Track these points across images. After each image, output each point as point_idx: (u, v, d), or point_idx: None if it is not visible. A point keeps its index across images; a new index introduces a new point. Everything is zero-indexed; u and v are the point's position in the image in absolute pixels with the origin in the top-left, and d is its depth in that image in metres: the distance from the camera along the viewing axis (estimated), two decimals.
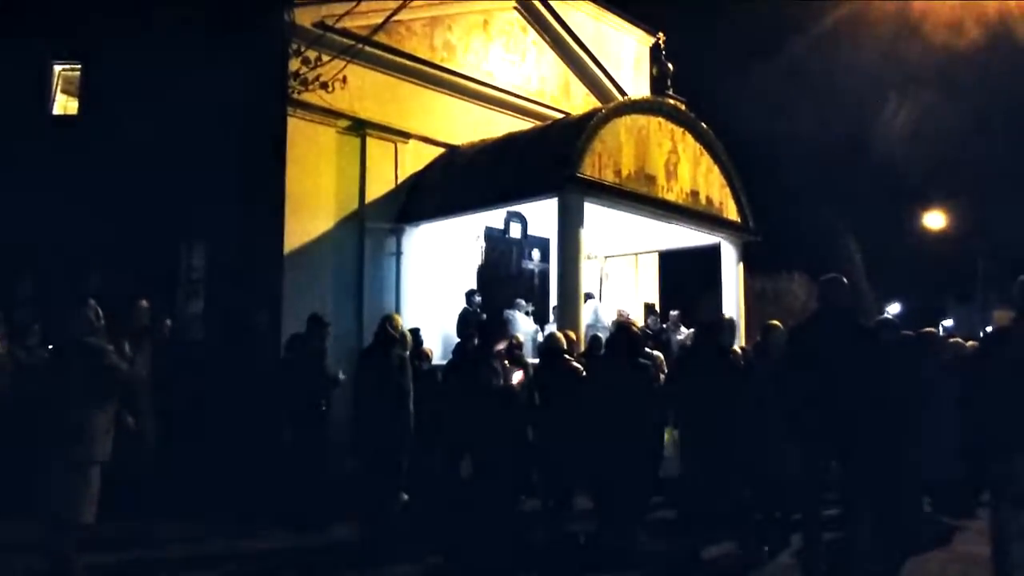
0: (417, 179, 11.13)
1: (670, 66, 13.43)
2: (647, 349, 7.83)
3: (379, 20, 9.98)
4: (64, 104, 11.86)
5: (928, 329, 8.46)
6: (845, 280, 5.64)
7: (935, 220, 26.21)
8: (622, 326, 7.43)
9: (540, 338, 10.10)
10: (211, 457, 7.57)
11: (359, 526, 6.83)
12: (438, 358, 9.24)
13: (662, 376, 7.88)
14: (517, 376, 6.51)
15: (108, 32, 10.75)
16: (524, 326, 10.67)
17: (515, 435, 6.50)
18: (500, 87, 12.43)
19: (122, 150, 10.36)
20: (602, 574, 5.93)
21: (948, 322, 27.96)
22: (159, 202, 10.28)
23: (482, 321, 9.72)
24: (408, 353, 7.25)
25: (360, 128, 10.57)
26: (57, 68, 11.72)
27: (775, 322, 7.38)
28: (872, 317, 9.67)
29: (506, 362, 6.54)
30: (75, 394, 5.05)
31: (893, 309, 29.80)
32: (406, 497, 7.38)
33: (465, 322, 9.95)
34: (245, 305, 9.50)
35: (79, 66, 11.67)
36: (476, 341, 7.56)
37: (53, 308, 6.29)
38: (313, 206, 10.02)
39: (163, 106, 10.30)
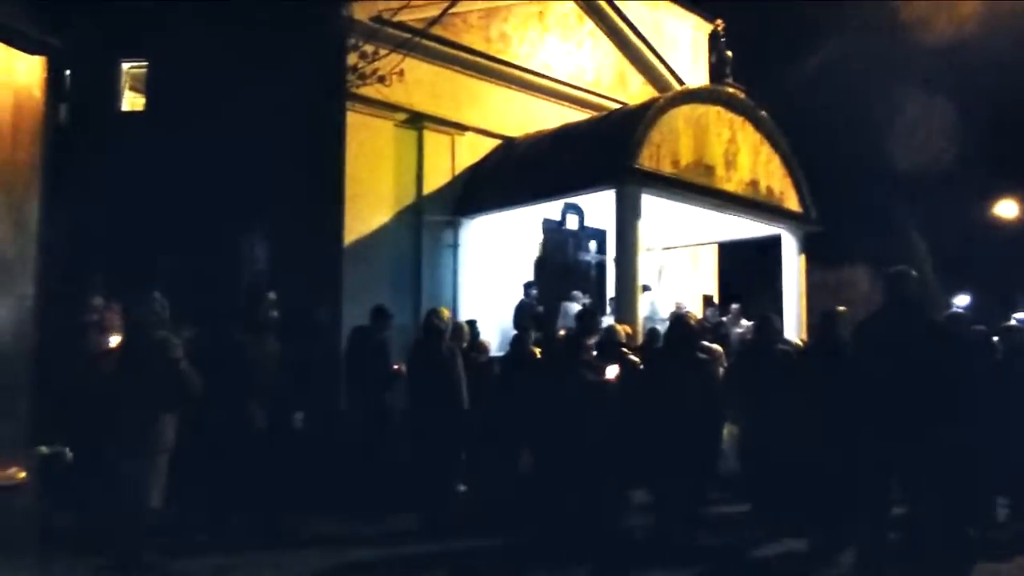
0: (474, 171, 11.16)
1: (729, 53, 13.16)
2: (705, 343, 7.72)
3: (435, 13, 10.03)
4: (132, 101, 12.23)
5: (1011, 324, 8.09)
6: (913, 272, 5.46)
7: (1008, 209, 25.18)
8: (679, 319, 7.31)
9: None
10: (273, 446, 7.71)
11: (416, 516, 6.89)
12: (495, 350, 9.26)
13: (721, 370, 7.75)
14: (613, 371, 6.44)
15: (173, 30, 11.02)
16: None
17: (606, 430, 6.42)
18: (556, 78, 12.37)
19: (187, 145, 10.61)
20: (660, 569, 5.86)
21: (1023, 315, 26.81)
22: (222, 196, 10.51)
23: (539, 314, 9.72)
24: (465, 345, 7.28)
25: (417, 121, 10.64)
26: (125, 66, 12.08)
27: (841, 308, 7.14)
28: (940, 311, 9.33)
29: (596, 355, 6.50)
30: (144, 385, 5.20)
31: (961, 302, 28.79)
32: (463, 488, 7.43)
33: (522, 314, 9.95)
34: (306, 296, 9.65)
35: (146, 63, 12.01)
36: (534, 333, 7.55)
37: (123, 301, 6.45)
38: (372, 199, 10.13)
39: (226, 102, 10.51)
